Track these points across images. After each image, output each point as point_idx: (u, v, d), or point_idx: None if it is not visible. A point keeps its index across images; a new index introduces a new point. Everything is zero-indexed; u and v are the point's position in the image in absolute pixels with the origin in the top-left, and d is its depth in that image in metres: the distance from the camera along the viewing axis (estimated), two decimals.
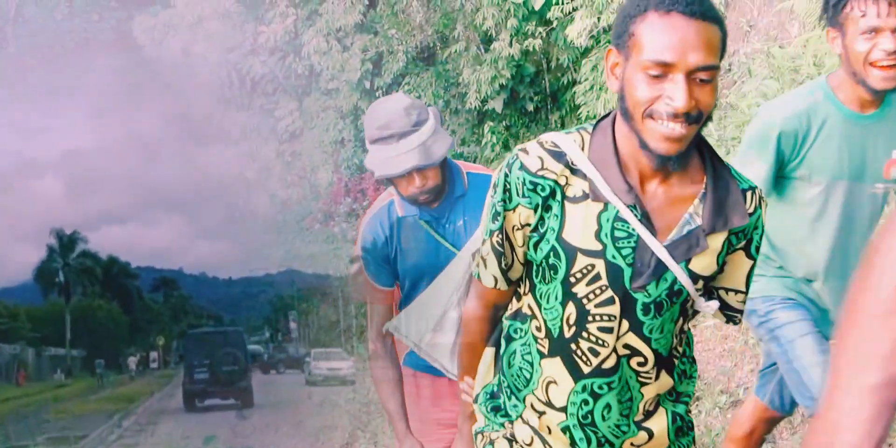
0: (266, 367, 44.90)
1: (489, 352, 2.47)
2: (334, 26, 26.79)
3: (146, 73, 47.18)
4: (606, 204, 2.14)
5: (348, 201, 28.80)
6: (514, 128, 22.15)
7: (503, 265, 2.28)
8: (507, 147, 22.11)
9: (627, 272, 2.16)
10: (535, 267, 2.26)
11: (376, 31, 26.46)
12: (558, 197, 2.16)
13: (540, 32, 18.71)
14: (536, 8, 17.75)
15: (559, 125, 20.65)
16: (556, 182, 2.16)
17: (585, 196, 2.15)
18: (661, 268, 2.16)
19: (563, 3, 16.51)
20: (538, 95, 21.26)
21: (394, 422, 3.63)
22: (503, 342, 2.39)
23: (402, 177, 3.26)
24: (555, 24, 17.43)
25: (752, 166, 3.37)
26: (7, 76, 59.37)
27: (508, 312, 2.39)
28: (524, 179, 2.15)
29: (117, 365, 64.16)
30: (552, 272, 2.20)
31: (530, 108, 21.49)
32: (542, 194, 2.16)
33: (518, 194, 2.16)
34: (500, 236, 2.24)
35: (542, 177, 2.15)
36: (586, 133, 2.22)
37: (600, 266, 2.16)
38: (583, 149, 2.17)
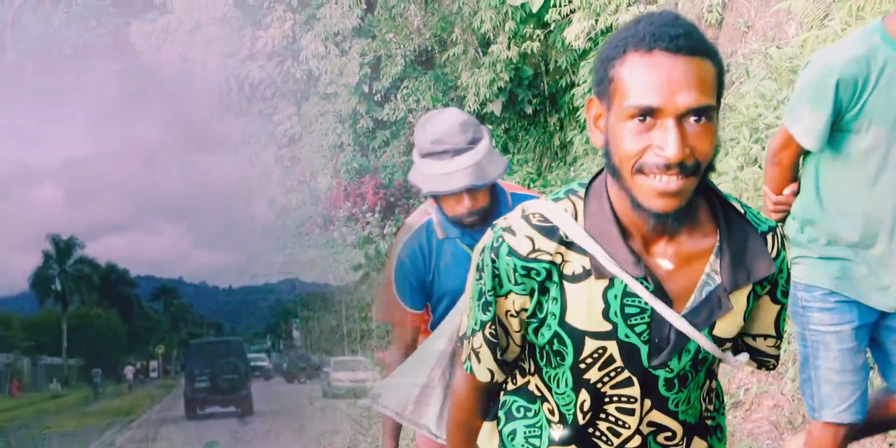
0: (269, 375, 45.20)
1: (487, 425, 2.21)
2: (332, 31, 26.82)
3: (144, 80, 47.27)
4: (612, 279, 1.87)
5: (348, 205, 28.79)
6: (514, 130, 22.15)
7: (499, 356, 2.03)
8: (506, 150, 22.10)
9: (644, 350, 1.91)
10: (537, 349, 2.00)
11: (374, 36, 26.48)
12: (555, 278, 1.89)
13: (538, 35, 18.72)
14: (534, 10, 17.76)
15: (558, 128, 20.66)
16: (551, 263, 1.88)
17: (587, 273, 1.88)
18: (681, 340, 1.90)
19: (560, 6, 16.53)
20: (537, 98, 21.27)
21: (384, 428, 3.57)
22: (502, 417, 2.13)
23: (451, 196, 3.12)
24: (553, 27, 17.44)
25: (807, 118, 3.18)
26: (5, 82, 59.40)
27: (510, 386, 2.13)
28: (514, 265, 1.88)
29: (116, 374, 62.21)
30: (558, 358, 1.95)
31: (529, 110, 21.49)
32: (538, 279, 1.89)
33: (510, 281, 1.90)
34: (494, 327, 1.98)
35: (535, 260, 1.88)
36: (577, 198, 1.92)
37: (613, 348, 1.90)
38: (576, 218, 1.89)
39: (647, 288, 1.86)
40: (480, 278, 1.95)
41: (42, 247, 69.16)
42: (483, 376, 2.06)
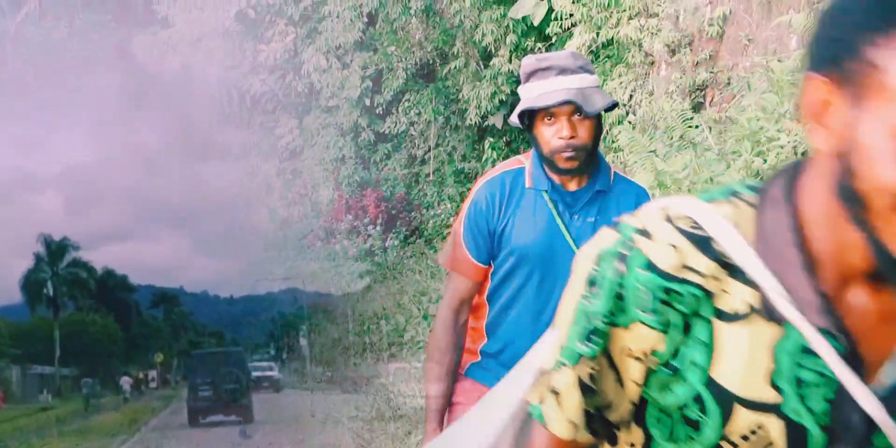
0: (279, 387, 42.64)
1: None
2: (334, 44, 26.89)
3: (146, 93, 47.35)
4: (786, 326, 1.26)
5: (349, 218, 28.81)
6: (515, 143, 22.18)
7: (592, 408, 1.36)
8: None
9: (819, 438, 1.28)
10: (656, 413, 1.36)
11: (376, 49, 26.55)
12: (706, 312, 1.27)
13: (539, 48, 18.75)
14: (535, 23, 17.82)
15: None
16: (702, 288, 1.26)
17: (753, 312, 1.27)
18: (871, 430, 1.28)
19: (562, 19, 16.57)
20: None
21: (428, 412, 3.03)
22: None
23: (550, 120, 2.86)
24: (554, 40, 17.48)
25: None
26: (7, 93, 59.56)
27: None
28: (653, 285, 1.26)
29: (114, 384, 56.05)
30: (692, 431, 1.32)
31: None
32: (682, 309, 1.27)
33: (639, 307, 1.27)
34: (597, 367, 1.34)
35: (684, 281, 1.26)
36: (745, 205, 1.29)
37: (775, 427, 1.28)
38: (739, 229, 1.27)
39: (835, 348, 1.25)
40: (590, 295, 1.31)
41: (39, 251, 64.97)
42: (560, 429, 1.38)
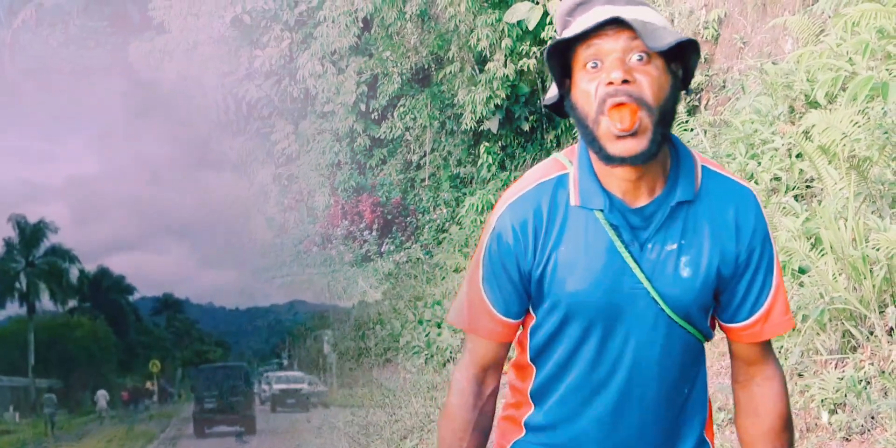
0: (305, 404, 34.58)
1: None
2: (329, 49, 26.89)
3: (142, 100, 47.34)
4: None
5: (345, 224, 28.79)
6: (510, 148, 22.17)
7: None
8: (503, 167, 22.13)
9: None
10: None
11: (371, 54, 26.55)
12: None
13: (534, 52, 18.75)
14: (530, 28, 17.81)
15: (555, 145, 20.67)
16: None
17: None
18: None
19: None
20: (533, 115, 21.29)
21: None
22: None
23: (593, 67, 1.88)
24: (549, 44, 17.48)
25: None
26: (4, 101, 59.56)
27: None
28: None
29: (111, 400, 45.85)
30: None
31: (526, 127, 21.52)
32: None
33: None
34: None
35: None
36: None
37: None
38: None
39: None
40: None
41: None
42: None
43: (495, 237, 2.02)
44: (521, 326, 2.10)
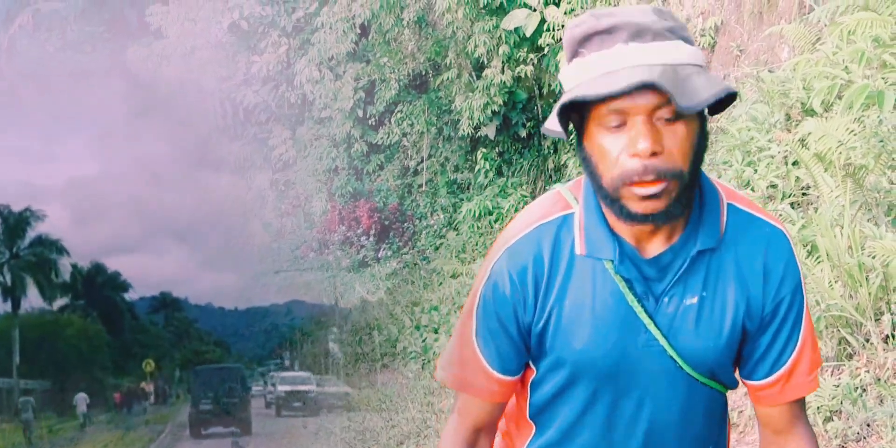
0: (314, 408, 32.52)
1: None
2: (326, 55, 26.91)
3: (140, 105, 47.36)
4: None
5: (342, 229, 28.80)
6: (507, 154, 22.19)
7: None
8: (500, 173, 22.15)
9: None
10: None
11: (368, 60, 26.58)
12: None
13: (532, 59, 18.78)
14: (528, 35, 17.83)
15: (552, 151, 20.71)
16: None
17: None
18: None
19: (554, 30, 16.59)
20: (531, 121, 21.32)
21: None
22: None
23: (615, 123, 1.64)
24: (546, 51, 17.50)
25: None
26: (4, 103, 59.55)
27: None
28: None
29: (102, 401, 44.74)
30: None
31: (523, 134, 21.55)
32: None
33: None
34: None
35: None
36: None
37: None
38: None
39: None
40: None
41: None
42: None
43: (491, 286, 1.79)
44: (519, 383, 1.88)
